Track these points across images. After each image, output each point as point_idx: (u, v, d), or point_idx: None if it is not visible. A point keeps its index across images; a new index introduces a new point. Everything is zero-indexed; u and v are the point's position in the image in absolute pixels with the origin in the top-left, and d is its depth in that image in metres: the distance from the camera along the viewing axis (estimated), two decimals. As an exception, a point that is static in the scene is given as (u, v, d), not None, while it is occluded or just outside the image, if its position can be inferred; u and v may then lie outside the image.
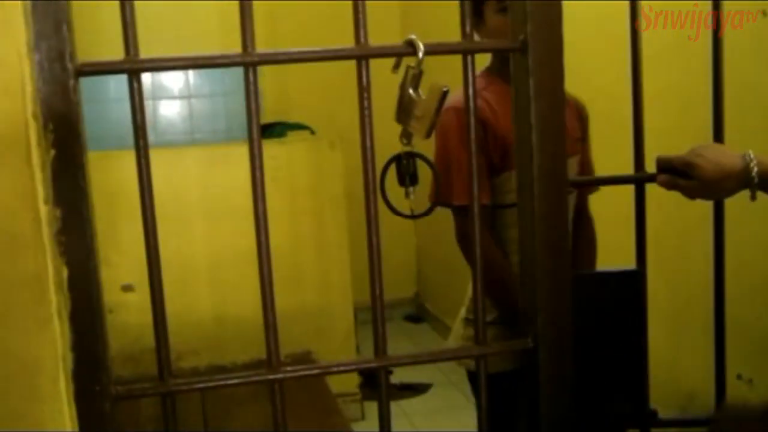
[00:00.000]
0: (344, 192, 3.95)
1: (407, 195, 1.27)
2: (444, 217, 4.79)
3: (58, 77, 1.05)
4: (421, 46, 1.15)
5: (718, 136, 1.62)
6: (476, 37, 1.37)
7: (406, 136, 1.23)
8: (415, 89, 1.20)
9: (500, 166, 2.17)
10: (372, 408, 3.99)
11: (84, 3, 3.41)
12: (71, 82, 1.05)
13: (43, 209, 1.05)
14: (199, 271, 3.80)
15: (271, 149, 3.78)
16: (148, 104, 4.88)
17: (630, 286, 1.54)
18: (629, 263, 1.65)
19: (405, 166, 1.26)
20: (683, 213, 2.32)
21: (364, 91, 1.17)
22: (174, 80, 5.05)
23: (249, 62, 1.11)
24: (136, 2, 1.10)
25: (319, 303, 3.98)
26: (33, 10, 1.03)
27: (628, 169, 1.67)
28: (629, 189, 1.68)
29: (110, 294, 3.57)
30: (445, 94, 1.16)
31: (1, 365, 1.04)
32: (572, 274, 1.28)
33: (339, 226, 3.94)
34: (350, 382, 4.04)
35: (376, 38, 1.14)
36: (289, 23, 4.91)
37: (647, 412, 1.43)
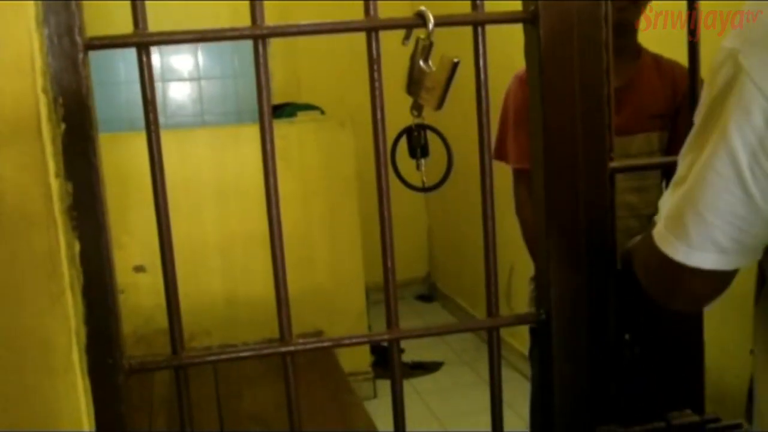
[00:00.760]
0: (355, 173, 3.94)
1: (418, 167, 1.27)
2: (455, 196, 4.79)
3: (68, 52, 1.05)
4: (431, 18, 1.14)
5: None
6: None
7: (417, 108, 1.23)
8: (426, 61, 1.19)
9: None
10: (384, 386, 4.00)
11: (92, -16, 3.40)
12: (80, 56, 1.05)
13: (54, 184, 1.05)
14: (210, 252, 3.81)
15: (281, 129, 3.77)
16: (157, 86, 4.84)
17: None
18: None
19: (416, 139, 1.25)
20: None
21: (374, 63, 1.17)
22: (184, 62, 5.05)
23: (258, 35, 1.11)
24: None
25: (331, 284, 3.98)
26: (41, -16, 1.03)
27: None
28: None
29: (121, 275, 3.57)
30: (455, 66, 1.15)
31: (14, 340, 1.04)
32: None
33: (350, 206, 3.94)
34: (362, 361, 4.05)
35: (385, 13, 1.14)
36: (301, 12, 4.90)
37: (708, 418, 1.39)
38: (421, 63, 1.19)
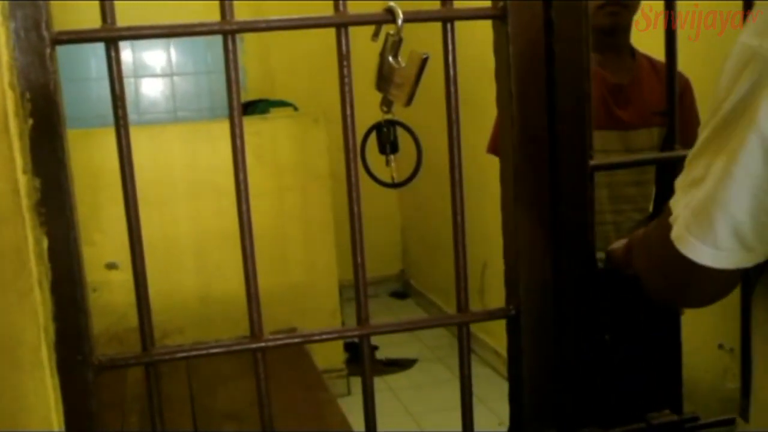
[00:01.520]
0: (328, 169, 3.94)
1: (388, 163, 1.27)
2: (428, 193, 4.80)
3: (35, 46, 1.04)
4: (401, 14, 1.15)
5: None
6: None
7: (387, 103, 1.23)
8: (395, 57, 1.19)
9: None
10: (358, 384, 3.99)
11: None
12: (48, 50, 1.05)
13: (22, 179, 1.04)
14: (183, 249, 3.79)
15: (254, 125, 3.77)
16: (129, 82, 4.86)
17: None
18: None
19: (385, 135, 1.25)
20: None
21: (344, 59, 1.17)
22: (156, 58, 5.02)
23: (228, 30, 1.11)
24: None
25: (304, 281, 3.98)
26: (7, -22, 1.02)
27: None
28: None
29: (94, 273, 3.56)
30: (425, 61, 1.16)
31: (-18, 336, 1.04)
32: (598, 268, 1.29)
33: (323, 202, 3.94)
34: (336, 358, 4.05)
35: (356, 10, 1.14)
36: (274, 11, 4.88)
37: (687, 417, 1.39)
38: (391, 59, 1.19)
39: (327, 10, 1.16)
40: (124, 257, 3.65)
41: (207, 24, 1.12)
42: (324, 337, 1.25)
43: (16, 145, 1.03)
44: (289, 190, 3.89)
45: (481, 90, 2.49)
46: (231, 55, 1.12)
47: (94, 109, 4.68)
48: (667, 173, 2.43)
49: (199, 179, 3.76)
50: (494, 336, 4.02)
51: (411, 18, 1.16)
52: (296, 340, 1.23)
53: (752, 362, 1.14)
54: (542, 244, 1.27)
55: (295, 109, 4.42)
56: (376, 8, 1.18)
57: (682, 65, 2.63)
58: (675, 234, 1.01)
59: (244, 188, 1.16)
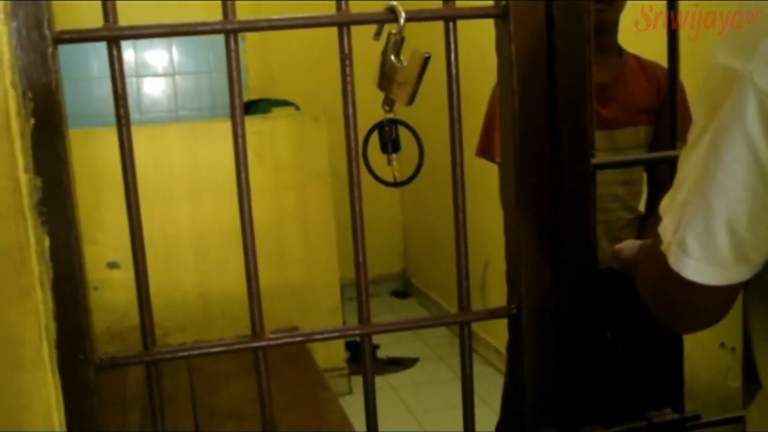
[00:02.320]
0: (329, 168, 3.94)
1: (389, 162, 1.27)
2: (430, 192, 4.80)
3: (37, 45, 1.04)
4: (403, 13, 1.15)
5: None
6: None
7: (388, 102, 1.23)
8: (397, 56, 1.19)
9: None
10: (359, 382, 3.99)
11: (64, -22, 3.39)
12: (49, 49, 1.05)
13: (24, 178, 1.04)
14: (184, 248, 3.79)
15: (255, 125, 3.77)
16: (131, 81, 4.86)
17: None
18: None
19: (387, 133, 1.25)
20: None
21: (345, 58, 1.17)
22: (158, 58, 5.02)
23: (230, 29, 1.11)
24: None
25: (305, 279, 3.98)
26: (9, -23, 1.02)
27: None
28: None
29: (95, 271, 3.56)
30: (426, 60, 1.16)
31: (-17, 335, 1.04)
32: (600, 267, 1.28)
33: (324, 201, 3.94)
34: (337, 357, 4.05)
35: (358, 9, 1.15)
36: (274, 10, 4.88)
37: (688, 416, 1.38)
38: (393, 58, 1.19)
39: (328, 9, 1.16)
40: (124, 256, 3.65)
41: (209, 23, 1.12)
42: (326, 335, 1.25)
43: (18, 144, 1.03)
44: (290, 189, 3.89)
45: (482, 88, 2.49)
46: (233, 54, 1.12)
47: (96, 108, 4.68)
48: (658, 173, 2.43)
49: (199, 178, 3.76)
50: (496, 335, 4.02)
51: (413, 17, 1.16)
52: (298, 339, 1.22)
53: (756, 357, 1.14)
54: (544, 243, 1.27)
55: (297, 108, 4.42)
56: (377, 7, 1.18)
57: (682, 65, 2.62)
58: (674, 260, 0.98)
59: (246, 187, 1.16)
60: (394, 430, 2.98)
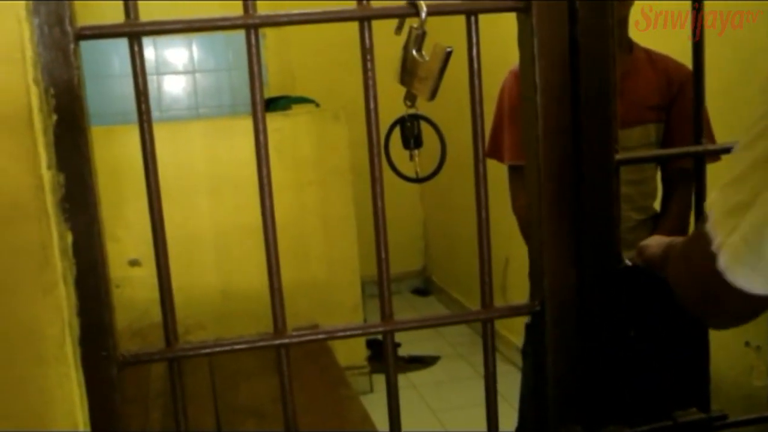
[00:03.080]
0: (350, 165, 3.93)
1: (411, 158, 1.27)
2: (450, 189, 4.78)
3: (58, 41, 1.04)
4: (424, 7, 1.14)
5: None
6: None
7: (410, 98, 1.22)
8: (419, 50, 1.18)
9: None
10: (380, 381, 4.01)
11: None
12: (71, 46, 1.04)
13: (46, 175, 1.04)
14: (204, 245, 3.80)
15: (275, 122, 3.77)
16: (152, 79, 4.87)
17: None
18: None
19: (409, 129, 1.25)
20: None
21: (367, 53, 1.16)
22: (178, 55, 5.04)
23: (250, 24, 1.10)
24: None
25: (326, 277, 3.98)
26: (31, -26, 1.02)
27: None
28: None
29: (117, 269, 3.58)
30: (448, 55, 1.15)
31: (6, 331, 1.04)
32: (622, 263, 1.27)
33: (344, 198, 3.94)
34: (358, 355, 4.05)
35: (379, 3, 1.14)
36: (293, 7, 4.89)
37: (715, 416, 1.37)
38: (414, 52, 1.19)
39: (348, 4, 1.16)
40: (146, 253, 3.67)
41: (229, 18, 1.12)
42: (348, 333, 1.24)
43: (41, 140, 1.03)
44: (311, 186, 3.89)
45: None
46: (254, 50, 1.12)
47: (117, 106, 4.70)
48: (673, 170, 2.40)
49: (220, 175, 3.77)
50: (517, 333, 4.01)
51: (434, 11, 1.15)
52: (320, 336, 1.22)
53: None
54: (567, 239, 1.26)
55: (317, 105, 4.42)
56: (399, 2, 1.18)
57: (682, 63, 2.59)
58: (725, 264, 0.96)
59: (267, 183, 1.15)
60: (416, 429, 2.97)
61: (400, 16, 1.17)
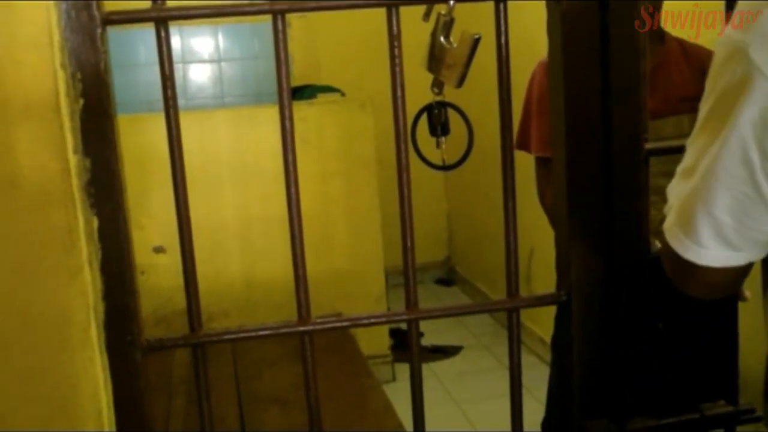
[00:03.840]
0: (375, 155, 3.93)
1: (438, 145, 1.26)
2: (475, 180, 4.77)
3: (85, 26, 1.04)
4: (453, -7, 1.13)
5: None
6: None
7: (438, 85, 1.22)
8: (447, 37, 1.17)
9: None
10: (403, 370, 4.01)
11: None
12: (98, 30, 1.04)
13: (73, 159, 1.04)
14: (229, 234, 3.81)
15: (301, 111, 3.76)
16: (178, 68, 4.88)
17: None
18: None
19: (436, 116, 1.24)
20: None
21: (394, 40, 1.15)
22: (204, 44, 5.04)
23: (277, 9, 1.10)
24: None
25: (350, 267, 3.98)
26: (59, -42, 1.02)
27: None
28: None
29: (142, 256, 3.59)
30: (476, 42, 1.14)
31: (32, 315, 1.04)
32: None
33: (370, 188, 3.93)
34: (381, 344, 4.05)
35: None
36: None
37: (743, 409, 1.36)
38: (442, 39, 1.18)
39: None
40: (170, 241, 3.68)
41: (257, 4, 1.12)
42: (372, 321, 1.24)
43: (67, 125, 1.03)
44: (336, 176, 3.88)
45: (529, 74, 2.46)
46: (280, 36, 1.12)
47: (143, 95, 4.72)
48: None
49: (245, 164, 3.77)
50: (541, 324, 3.99)
51: (463, -2, 1.14)
52: (344, 324, 1.22)
53: None
54: (595, 229, 1.25)
55: (342, 95, 4.42)
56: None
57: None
58: (666, 226, 1.03)
59: (293, 169, 1.15)
60: (438, 419, 2.97)
61: (429, 2, 1.16)
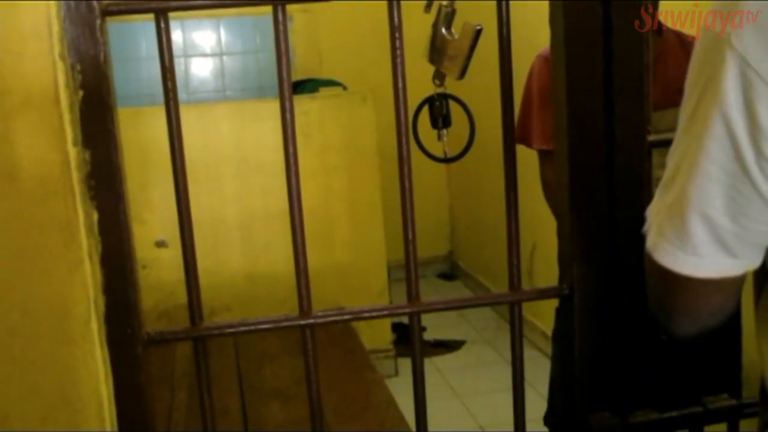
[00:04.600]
0: (377, 149, 3.92)
1: (440, 137, 1.25)
2: (477, 174, 4.76)
3: (85, 17, 1.04)
4: (454, -16, 1.12)
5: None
6: None
7: (439, 77, 1.21)
8: (448, 28, 1.17)
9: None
10: (405, 365, 4.00)
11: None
12: (98, 21, 1.04)
13: (72, 152, 1.04)
14: (230, 228, 3.80)
15: (302, 105, 3.76)
16: (179, 62, 4.88)
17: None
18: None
19: (438, 108, 1.23)
20: None
21: (395, 31, 1.15)
22: (205, 38, 5.03)
23: (278, 1, 1.09)
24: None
25: (351, 261, 3.97)
26: (58, -51, 1.02)
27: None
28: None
29: (144, 250, 3.59)
30: (478, 33, 1.13)
31: (32, 307, 1.04)
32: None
33: (371, 182, 3.92)
34: (384, 339, 4.05)
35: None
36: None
37: (746, 402, 1.34)
38: (444, 30, 1.17)
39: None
40: (172, 235, 3.68)
41: (257, -5, 1.11)
42: (374, 314, 1.23)
43: (67, 117, 1.03)
44: (337, 170, 3.88)
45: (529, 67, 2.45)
46: (281, 27, 1.11)
47: (145, 88, 4.71)
48: None
49: (246, 158, 3.77)
50: (543, 318, 3.99)
51: (465, -12, 1.13)
52: (346, 317, 1.21)
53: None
54: (597, 222, 1.24)
55: (344, 88, 4.41)
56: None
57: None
58: (650, 243, 0.93)
59: (294, 161, 1.14)
60: (440, 413, 2.97)
61: (430, -7, 1.16)
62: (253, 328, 1.18)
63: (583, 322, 1.26)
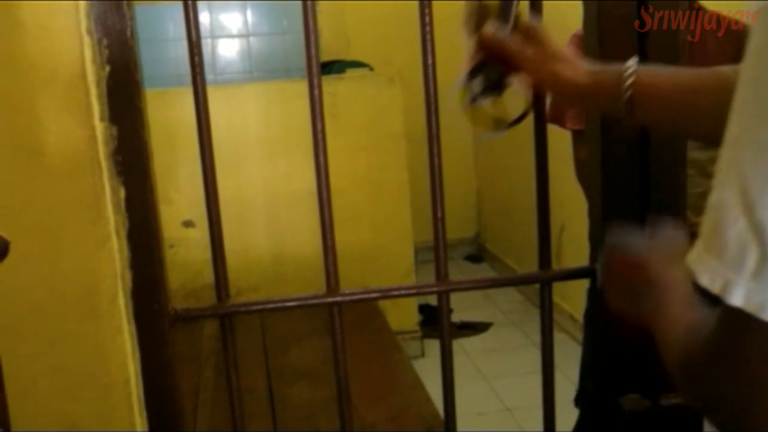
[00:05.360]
0: (404, 130, 3.90)
1: (492, 104, 1.18)
2: (505, 157, 4.73)
3: (112, -9, 1.03)
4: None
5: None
6: None
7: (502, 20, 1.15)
8: None
9: None
10: (432, 346, 3.99)
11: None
12: (125, -4, 1.03)
13: (99, 127, 1.03)
14: (257, 208, 3.81)
15: (329, 85, 3.74)
16: (206, 43, 4.88)
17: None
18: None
19: (492, 72, 1.15)
20: None
21: (425, 7, 1.13)
22: (232, 19, 5.03)
23: (306, -24, 1.08)
24: None
25: (379, 242, 3.96)
26: None
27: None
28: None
29: (171, 230, 3.60)
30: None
31: (59, 284, 1.04)
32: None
33: (398, 163, 3.90)
34: (410, 320, 4.03)
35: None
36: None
37: None
38: None
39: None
40: (199, 215, 3.68)
41: (285, -31, 1.10)
42: (402, 292, 1.22)
43: (93, 92, 1.02)
44: (364, 151, 3.86)
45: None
46: (309, 8, 1.10)
47: (172, 69, 4.72)
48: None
49: (273, 139, 3.76)
50: (570, 301, 3.96)
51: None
52: (373, 295, 1.20)
53: None
54: (629, 201, 1.22)
55: (371, 69, 4.38)
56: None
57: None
58: (744, 298, 0.60)
59: (322, 138, 1.13)
60: (467, 395, 2.96)
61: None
62: (280, 305, 1.18)
63: (614, 303, 1.24)
